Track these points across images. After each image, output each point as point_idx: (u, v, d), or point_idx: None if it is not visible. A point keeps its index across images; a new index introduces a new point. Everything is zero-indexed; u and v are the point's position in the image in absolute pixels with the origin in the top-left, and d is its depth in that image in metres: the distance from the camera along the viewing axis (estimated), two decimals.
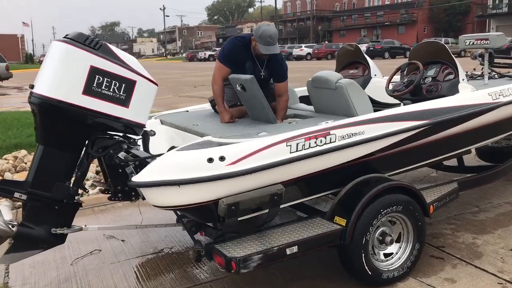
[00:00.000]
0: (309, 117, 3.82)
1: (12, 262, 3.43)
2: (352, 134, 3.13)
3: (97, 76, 2.80)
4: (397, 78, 4.49)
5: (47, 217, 2.99)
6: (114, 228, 4.17)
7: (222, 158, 2.74)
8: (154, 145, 3.63)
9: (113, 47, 3.01)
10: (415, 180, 5.46)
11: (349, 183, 3.24)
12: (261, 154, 2.82)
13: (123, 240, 4.31)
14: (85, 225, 3.29)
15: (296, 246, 2.91)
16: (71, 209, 3.08)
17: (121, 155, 3.19)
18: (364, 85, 4.75)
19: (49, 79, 2.82)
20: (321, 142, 3.01)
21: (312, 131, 3.02)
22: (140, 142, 3.34)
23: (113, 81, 2.86)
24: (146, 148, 3.30)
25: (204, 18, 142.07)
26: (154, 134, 3.73)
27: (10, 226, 2.93)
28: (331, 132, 3.07)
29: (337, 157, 3.12)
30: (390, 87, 4.31)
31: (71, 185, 3.04)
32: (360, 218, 3.07)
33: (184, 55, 74.32)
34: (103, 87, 2.83)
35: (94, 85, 2.80)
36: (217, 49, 68.15)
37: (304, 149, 2.95)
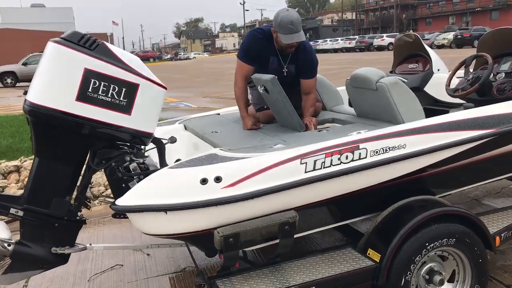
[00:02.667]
0: (349, 123, 3.22)
1: (9, 283, 3.17)
2: (389, 149, 2.51)
3: (92, 80, 2.43)
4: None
5: (46, 236, 2.70)
6: (123, 248, 3.85)
7: (218, 179, 2.26)
8: (176, 154, 3.25)
9: (112, 47, 2.62)
10: (490, 193, 4.62)
11: (389, 207, 2.63)
12: (267, 174, 2.30)
13: (148, 254, 3.99)
14: (90, 244, 2.98)
15: None
16: (73, 227, 2.78)
17: (132, 167, 2.83)
18: (424, 81, 4.04)
19: (39, 85, 2.49)
20: (346, 158, 2.43)
21: (335, 145, 2.44)
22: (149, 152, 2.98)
23: (112, 85, 2.47)
24: (162, 158, 2.91)
25: None
26: (175, 141, 3.33)
27: (6, 245, 2.68)
28: (361, 145, 2.47)
29: (369, 177, 2.52)
30: (453, 85, 3.56)
31: (72, 201, 2.73)
32: (398, 254, 2.45)
33: None
34: (99, 92, 2.45)
35: (90, 90, 2.43)
36: None
37: (324, 168, 2.38)
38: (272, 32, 3.21)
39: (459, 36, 38.50)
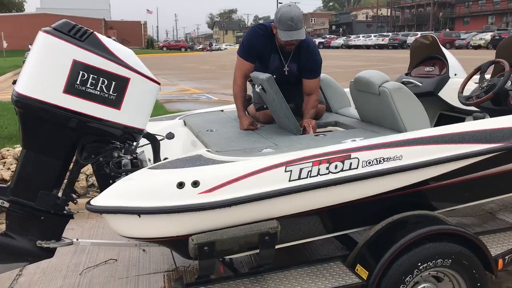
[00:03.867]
0: (351, 128, 3.06)
1: None
2: (383, 159, 2.34)
3: (81, 72, 2.35)
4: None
5: (32, 228, 2.65)
6: (109, 245, 3.78)
7: (195, 184, 2.14)
8: (171, 151, 3.16)
9: (103, 38, 2.53)
10: (507, 207, 4.37)
11: (383, 221, 2.47)
12: (247, 181, 2.17)
13: (144, 250, 3.92)
14: (77, 239, 2.91)
15: None
16: (60, 221, 2.72)
17: (124, 162, 2.75)
18: (439, 86, 3.82)
19: (27, 75, 2.42)
20: (335, 168, 2.27)
21: (324, 153, 2.29)
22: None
23: (101, 78, 2.38)
24: (156, 155, 2.83)
25: (319, 5, 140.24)
26: (172, 137, 3.24)
27: None
28: (353, 155, 2.31)
29: (360, 189, 2.35)
30: (467, 92, 3.34)
31: (59, 195, 2.67)
32: (387, 273, 2.29)
33: None
34: (88, 85, 2.37)
35: (78, 82, 2.35)
36: (328, 36, 66.72)
37: (310, 177, 2.23)
38: (273, 27, 3.06)
39: (497, 37, 37.11)
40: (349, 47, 53.28)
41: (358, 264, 2.41)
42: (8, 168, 5.76)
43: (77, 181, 5.62)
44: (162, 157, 2.84)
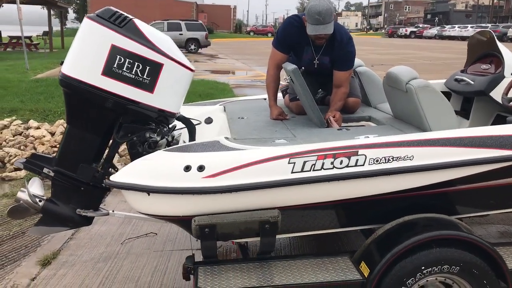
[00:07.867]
0: (382, 124, 3.01)
1: (39, 235, 3.53)
2: (392, 158, 2.29)
3: (118, 56, 2.55)
4: None
5: (72, 197, 2.93)
6: (141, 219, 3.99)
7: (201, 168, 2.25)
8: (209, 136, 3.32)
9: (142, 25, 2.71)
10: None
11: (392, 220, 2.43)
12: (251, 169, 2.24)
13: None
14: (113, 210, 3.16)
15: None
16: (98, 193, 2.97)
17: (161, 143, 2.95)
18: (492, 85, 3.57)
19: (71, 57, 2.67)
20: (340, 163, 2.26)
21: (331, 147, 2.29)
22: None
23: (136, 63, 2.57)
24: (191, 138, 3.01)
25: None
26: (211, 122, 3.39)
27: (37, 200, 2.95)
28: (360, 151, 2.28)
29: (367, 186, 2.33)
30: None
31: (98, 169, 2.92)
32: (388, 273, 2.27)
33: (383, 30, 71.33)
34: (124, 69, 2.57)
35: (115, 66, 2.55)
36: (421, 25, 63.61)
37: (313, 170, 2.25)
38: (304, 20, 3.06)
39: None
40: (442, 37, 50.61)
41: (362, 261, 2.40)
42: None
43: (126, 157, 6.00)
44: (197, 141, 2.99)
